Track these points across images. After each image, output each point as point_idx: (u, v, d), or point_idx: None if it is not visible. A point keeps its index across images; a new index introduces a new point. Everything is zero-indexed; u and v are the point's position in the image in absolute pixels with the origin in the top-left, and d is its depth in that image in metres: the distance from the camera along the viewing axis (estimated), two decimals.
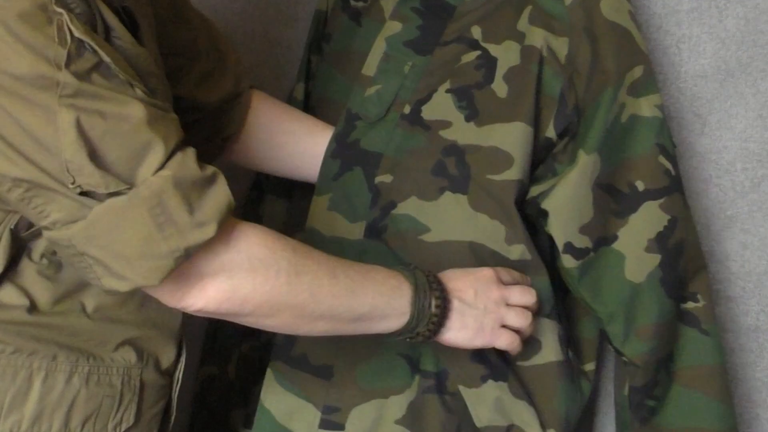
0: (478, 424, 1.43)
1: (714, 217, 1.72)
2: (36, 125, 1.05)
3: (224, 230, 1.14)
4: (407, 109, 1.49)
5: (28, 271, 1.20)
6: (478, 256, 1.44)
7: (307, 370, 1.45)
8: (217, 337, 1.68)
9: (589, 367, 1.52)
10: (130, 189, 1.08)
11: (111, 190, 1.08)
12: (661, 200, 1.48)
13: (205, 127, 1.50)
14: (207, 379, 1.68)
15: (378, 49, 1.53)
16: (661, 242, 1.47)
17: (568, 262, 1.46)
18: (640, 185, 1.47)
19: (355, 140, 1.49)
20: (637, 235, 1.47)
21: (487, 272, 1.38)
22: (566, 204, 1.45)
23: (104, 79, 1.08)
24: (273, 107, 1.55)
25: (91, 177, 1.07)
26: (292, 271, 1.18)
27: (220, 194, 1.13)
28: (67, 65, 1.05)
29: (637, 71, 1.51)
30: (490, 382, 1.44)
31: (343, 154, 1.49)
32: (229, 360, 1.65)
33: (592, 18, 1.51)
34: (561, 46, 1.50)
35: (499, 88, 1.49)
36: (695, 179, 1.71)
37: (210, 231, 1.11)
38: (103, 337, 1.24)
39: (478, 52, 1.51)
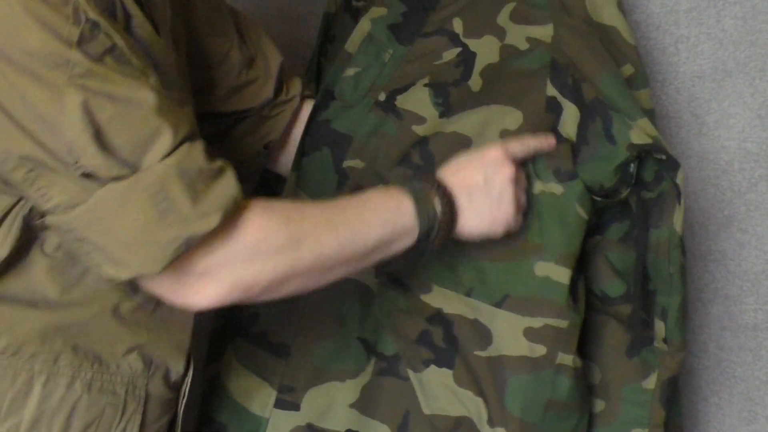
0: (426, 411, 1.39)
1: (712, 216, 1.73)
2: (42, 103, 1.03)
3: (226, 222, 1.11)
4: (382, 96, 1.49)
5: (38, 264, 1.17)
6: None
7: (265, 347, 1.42)
8: (225, 335, 1.66)
9: (569, 360, 1.38)
10: (132, 174, 1.06)
11: (113, 174, 1.05)
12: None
13: (245, 133, 1.49)
14: (216, 376, 1.65)
15: (363, 27, 1.53)
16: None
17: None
18: None
19: (326, 120, 1.48)
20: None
21: (494, 153, 1.32)
22: None
23: (117, 63, 1.06)
24: None
25: (94, 159, 1.04)
26: (292, 243, 1.15)
27: (228, 187, 1.11)
28: (79, 44, 1.03)
29: (628, 69, 1.49)
30: (433, 367, 1.38)
31: (313, 132, 1.48)
32: None
33: (576, 14, 1.50)
34: (545, 32, 1.48)
35: (475, 83, 1.48)
36: (693, 179, 1.72)
37: (213, 222, 1.08)
38: (113, 338, 1.20)
39: (459, 49, 1.50)
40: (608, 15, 1.51)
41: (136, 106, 1.05)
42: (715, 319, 1.75)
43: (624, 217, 1.43)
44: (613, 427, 1.41)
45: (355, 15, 1.62)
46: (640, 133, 1.36)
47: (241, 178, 1.51)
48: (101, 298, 1.20)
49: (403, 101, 1.48)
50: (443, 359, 1.38)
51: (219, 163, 1.11)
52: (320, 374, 1.41)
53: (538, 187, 1.39)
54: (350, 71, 1.51)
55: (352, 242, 1.20)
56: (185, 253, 1.08)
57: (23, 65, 1.03)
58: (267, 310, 1.42)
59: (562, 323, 1.37)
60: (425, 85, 1.49)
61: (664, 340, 1.39)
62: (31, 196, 1.09)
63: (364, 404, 1.40)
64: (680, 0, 1.71)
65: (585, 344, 1.43)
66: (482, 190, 1.30)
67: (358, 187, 1.44)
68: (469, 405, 1.38)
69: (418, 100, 1.48)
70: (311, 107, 1.53)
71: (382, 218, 1.22)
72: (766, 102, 1.71)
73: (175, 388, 1.28)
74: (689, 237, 1.73)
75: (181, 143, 1.08)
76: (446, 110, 1.46)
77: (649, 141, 1.35)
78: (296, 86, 1.51)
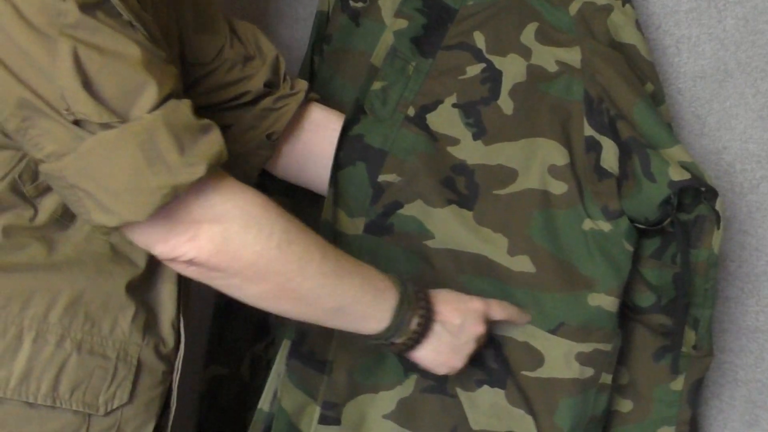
0: (474, 426, 1.43)
1: None
2: (36, 51, 1.07)
3: (218, 180, 1.15)
4: (411, 111, 1.52)
5: (26, 229, 1.21)
6: (479, 267, 1.46)
7: (312, 365, 1.45)
8: (223, 337, 1.68)
9: (608, 378, 1.47)
10: (121, 123, 1.09)
11: (104, 121, 1.08)
12: None
13: (249, 126, 1.51)
14: (215, 378, 1.68)
15: (386, 40, 1.56)
16: None
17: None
18: None
19: (359, 134, 1.51)
20: None
21: (478, 305, 1.37)
22: None
23: (107, 16, 1.10)
24: (335, 126, 1.55)
25: (85, 106, 1.08)
26: (284, 237, 1.18)
27: (213, 142, 1.14)
28: None
29: (648, 87, 1.55)
30: (486, 387, 1.44)
31: (347, 147, 1.50)
32: (241, 361, 1.65)
33: (600, 37, 1.55)
34: (573, 55, 1.54)
35: (505, 104, 1.52)
36: None
37: (199, 171, 1.12)
38: (105, 303, 1.24)
39: (483, 65, 1.55)
40: (628, 34, 1.57)
41: (123, 60, 1.09)
42: (716, 321, 1.73)
43: (654, 234, 1.49)
44: (644, 424, 1.50)
45: (354, 16, 1.63)
46: (677, 169, 1.43)
47: (245, 173, 1.54)
48: (91, 260, 1.24)
49: (433, 121, 1.53)
50: (496, 380, 1.44)
51: (206, 121, 1.15)
52: (356, 388, 1.45)
53: (588, 224, 1.46)
54: (377, 85, 1.54)
55: (332, 282, 1.23)
56: (176, 202, 1.12)
57: (18, 16, 1.07)
58: (314, 327, 1.44)
59: (608, 346, 1.45)
60: (453, 105, 1.53)
61: (693, 347, 1.47)
62: (25, 146, 1.13)
63: (404, 417, 1.44)
64: (681, 0, 1.71)
65: None
66: (453, 332, 1.34)
67: (394, 203, 1.47)
68: (519, 422, 1.43)
69: (448, 121, 1.52)
70: (325, 113, 1.55)
71: (367, 286, 1.27)
72: (767, 103, 1.71)
73: (167, 360, 1.31)
74: None
75: (167, 98, 1.11)
76: (480, 131, 1.51)
77: (687, 176, 1.43)
78: (302, 83, 1.54)
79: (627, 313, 1.51)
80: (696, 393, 1.50)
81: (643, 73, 1.56)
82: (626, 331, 1.50)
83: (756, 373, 1.74)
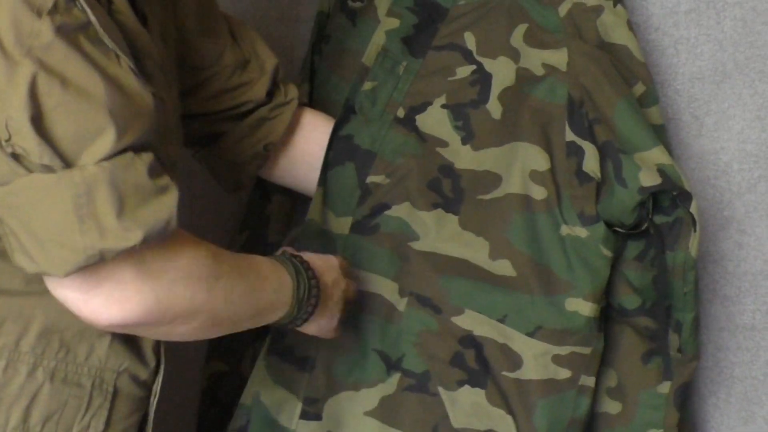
0: (456, 425, 1.46)
1: (711, 217, 1.73)
2: None
3: (160, 239, 1.06)
4: (401, 113, 1.54)
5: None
6: (460, 269, 1.48)
7: (292, 361, 1.47)
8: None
9: (590, 381, 1.48)
10: (63, 168, 0.99)
11: (43, 162, 0.99)
12: None
13: (243, 135, 1.50)
14: (215, 375, 1.69)
15: (378, 40, 1.57)
16: None
17: None
18: None
19: (349, 135, 1.52)
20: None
21: (334, 261, 1.39)
22: None
23: (88, 42, 1.00)
24: (322, 128, 1.55)
25: (27, 141, 0.98)
26: (211, 278, 1.13)
27: (163, 209, 1.04)
28: (51, 14, 0.97)
29: (639, 88, 1.56)
30: (467, 387, 1.46)
31: (336, 147, 1.51)
32: (242, 358, 1.66)
33: (588, 38, 1.55)
34: (560, 57, 1.54)
35: (494, 108, 1.53)
36: (692, 180, 1.72)
37: (133, 239, 1.02)
38: (81, 327, 1.17)
39: (473, 67, 1.56)
40: (619, 35, 1.57)
41: (86, 98, 0.99)
42: (713, 320, 1.75)
43: (639, 237, 1.50)
44: (630, 428, 1.50)
45: (352, 16, 1.64)
46: (649, 174, 1.44)
47: (240, 180, 1.54)
48: None
49: (423, 123, 1.54)
50: (476, 380, 1.46)
51: (164, 181, 1.05)
52: (339, 384, 1.47)
53: (565, 230, 1.48)
54: (368, 85, 1.55)
55: (250, 298, 1.21)
56: (101, 264, 1.03)
57: None
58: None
59: (586, 350, 1.47)
60: (443, 106, 1.54)
61: (678, 350, 1.47)
62: None
63: (386, 414, 1.46)
64: (680, 1, 1.71)
65: (603, 350, 1.51)
66: (329, 294, 1.35)
67: (382, 204, 1.49)
68: (499, 421, 1.45)
69: (437, 123, 1.53)
70: (313, 116, 1.56)
71: (271, 286, 1.25)
72: (765, 103, 1.71)
73: (145, 385, 1.25)
74: None
75: (124, 150, 1.02)
76: (468, 135, 1.52)
77: (658, 181, 1.43)
78: (293, 90, 1.53)
79: (614, 316, 1.52)
80: (683, 396, 1.50)
81: (633, 74, 1.56)
82: (615, 333, 1.51)
83: (752, 371, 1.75)
